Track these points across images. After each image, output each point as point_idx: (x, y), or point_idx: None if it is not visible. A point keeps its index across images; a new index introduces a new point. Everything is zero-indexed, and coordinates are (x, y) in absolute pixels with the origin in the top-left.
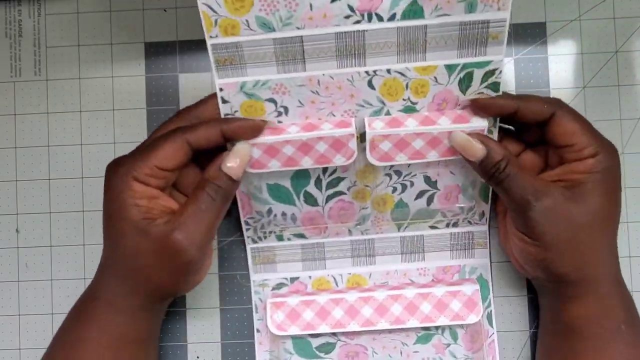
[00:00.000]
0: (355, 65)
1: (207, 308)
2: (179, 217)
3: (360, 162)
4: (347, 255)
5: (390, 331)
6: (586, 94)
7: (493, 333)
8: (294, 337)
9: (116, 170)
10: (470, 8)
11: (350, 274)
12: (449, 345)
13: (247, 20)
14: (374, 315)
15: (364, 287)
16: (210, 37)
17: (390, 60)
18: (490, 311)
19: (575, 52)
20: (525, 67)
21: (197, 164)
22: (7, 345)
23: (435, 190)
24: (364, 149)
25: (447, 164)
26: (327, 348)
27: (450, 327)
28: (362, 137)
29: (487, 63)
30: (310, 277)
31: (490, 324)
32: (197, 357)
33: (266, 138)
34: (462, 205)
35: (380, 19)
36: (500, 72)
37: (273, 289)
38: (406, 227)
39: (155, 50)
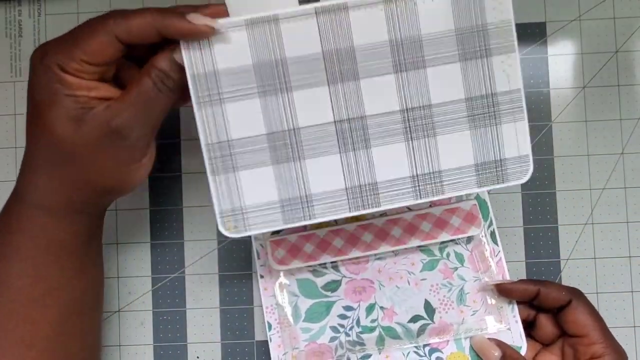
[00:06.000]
0: None
1: (207, 308)
2: (119, 103)
3: None
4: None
5: (395, 262)
6: (586, 94)
7: (499, 251)
8: (298, 280)
9: (42, 59)
10: None
11: None
12: (456, 269)
13: None
14: (374, 240)
15: (362, 219)
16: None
17: None
18: (494, 229)
19: (575, 52)
20: (525, 67)
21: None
22: None
23: None
24: None
25: None
26: (333, 286)
27: (455, 250)
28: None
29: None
30: None
31: (495, 242)
32: (197, 357)
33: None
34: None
35: None
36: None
37: (272, 234)
38: None
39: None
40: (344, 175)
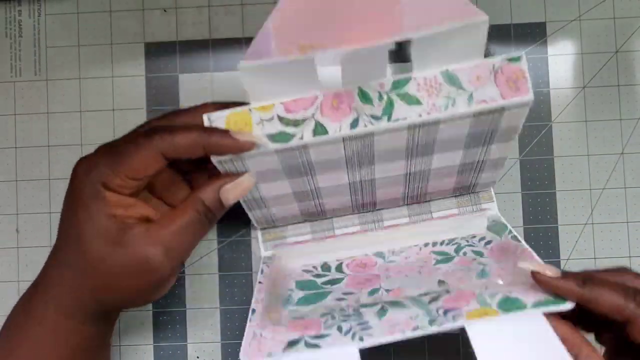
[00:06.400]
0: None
1: (207, 308)
2: (160, 230)
3: None
4: (355, 223)
5: (406, 257)
6: (586, 94)
7: (524, 245)
8: (297, 282)
9: (85, 176)
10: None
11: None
12: (475, 259)
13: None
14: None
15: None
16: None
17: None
18: (515, 235)
19: (575, 52)
20: None
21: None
22: None
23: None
24: None
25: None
26: (334, 282)
27: (472, 250)
28: None
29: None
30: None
31: (518, 241)
32: (197, 357)
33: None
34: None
35: None
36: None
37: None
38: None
39: (155, 51)
40: (351, 203)
